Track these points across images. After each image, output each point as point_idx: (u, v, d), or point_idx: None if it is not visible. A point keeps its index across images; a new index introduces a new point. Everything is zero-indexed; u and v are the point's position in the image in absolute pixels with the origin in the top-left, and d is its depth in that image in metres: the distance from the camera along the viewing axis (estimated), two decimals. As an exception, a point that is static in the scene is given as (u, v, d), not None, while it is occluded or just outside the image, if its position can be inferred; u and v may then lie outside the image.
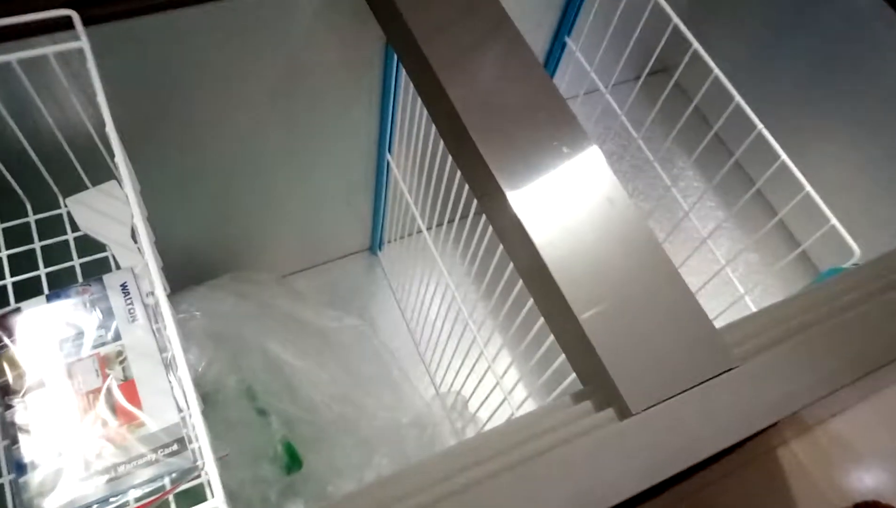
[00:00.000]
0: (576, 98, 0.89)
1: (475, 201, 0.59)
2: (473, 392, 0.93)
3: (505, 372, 0.80)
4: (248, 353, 0.89)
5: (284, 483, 0.91)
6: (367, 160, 0.94)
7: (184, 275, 0.89)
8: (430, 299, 1.01)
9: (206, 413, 0.92)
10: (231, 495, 0.52)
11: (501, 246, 0.57)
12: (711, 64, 0.65)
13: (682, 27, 0.68)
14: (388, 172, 0.94)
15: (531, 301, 0.55)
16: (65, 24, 0.56)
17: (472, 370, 0.89)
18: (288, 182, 0.92)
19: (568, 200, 0.52)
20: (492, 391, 0.83)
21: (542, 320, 0.55)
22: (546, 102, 0.60)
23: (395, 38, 0.68)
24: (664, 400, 0.45)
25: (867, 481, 1.25)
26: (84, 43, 0.55)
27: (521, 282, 0.56)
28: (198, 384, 0.90)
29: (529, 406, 1.00)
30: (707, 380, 0.46)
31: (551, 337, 0.58)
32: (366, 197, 1.02)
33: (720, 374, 0.46)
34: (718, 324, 0.50)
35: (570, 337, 0.48)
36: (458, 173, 0.63)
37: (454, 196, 0.75)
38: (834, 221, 0.58)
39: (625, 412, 0.44)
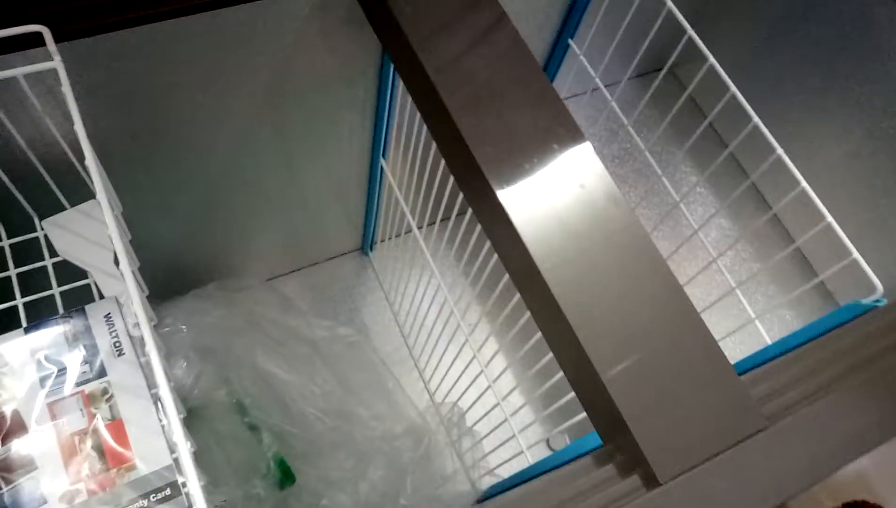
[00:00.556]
0: (582, 96, 0.85)
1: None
2: (472, 405, 0.91)
3: (509, 393, 0.78)
4: (238, 367, 0.86)
5: (277, 499, 0.88)
6: (360, 164, 0.89)
7: (168, 285, 0.85)
8: (423, 301, 0.98)
9: (195, 428, 0.89)
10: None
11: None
12: (729, 82, 0.61)
13: (698, 40, 0.64)
14: (381, 176, 0.90)
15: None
16: (36, 41, 0.51)
17: (473, 382, 0.86)
18: (277, 187, 0.88)
19: (582, 231, 0.49)
20: (492, 410, 0.81)
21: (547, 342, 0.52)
22: (550, 116, 0.56)
23: (391, 45, 0.64)
24: (693, 467, 0.43)
25: (856, 479, 1.26)
26: (57, 63, 0.50)
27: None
28: (185, 398, 0.87)
29: (536, 431, 0.99)
30: (736, 444, 0.44)
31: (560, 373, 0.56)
32: (357, 199, 0.98)
33: (750, 436, 0.44)
34: (725, 345, 0.48)
35: (591, 394, 0.46)
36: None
37: (459, 203, 0.71)
38: (856, 254, 0.56)
39: (651, 480, 0.42)
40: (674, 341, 0.46)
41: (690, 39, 0.65)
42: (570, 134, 0.55)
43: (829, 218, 0.56)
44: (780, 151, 0.58)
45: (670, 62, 0.70)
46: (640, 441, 0.43)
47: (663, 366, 0.45)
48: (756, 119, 0.59)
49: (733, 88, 0.60)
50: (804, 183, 0.57)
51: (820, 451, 0.44)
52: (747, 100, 0.63)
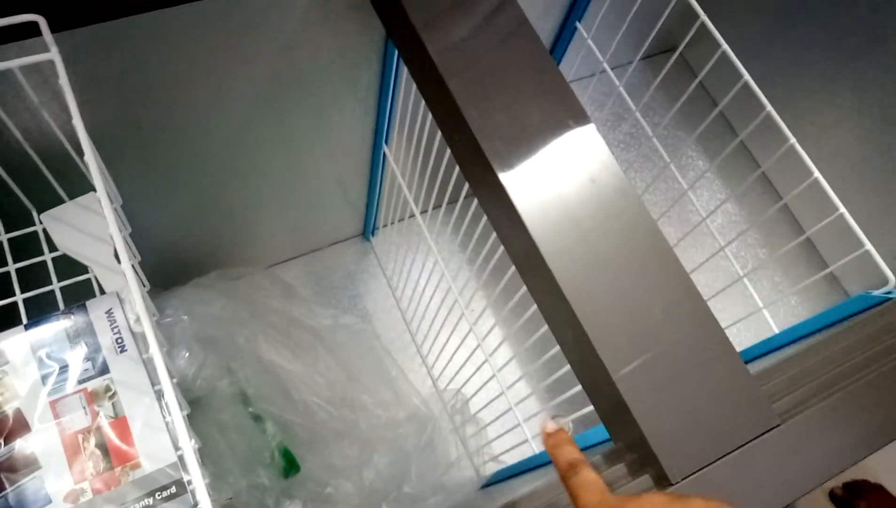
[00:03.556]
0: (588, 79, 0.84)
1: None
2: (476, 393, 0.91)
3: (515, 382, 0.78)
4: (241, 357, 0.85)
5: (281, 488, 0.88)
6: (362, 150, 0.88)
7: (168, 274, 0.84)
8: (426, 287, 0.97)
9: (199, 419, 0.88)
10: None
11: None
12: (742, 70, 0.60)
13: (711, 26, 0.62)
14: (384, 162, 0.88)
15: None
16: (32, 31, 0.50)
17: (477, 370, 0.86)
18: (278, 173, 0.87)
19: (593, 227, 0.48)
20: (497, 398, 0.81)
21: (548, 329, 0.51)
22: (558, 103, 0.55)
23: (395, 29, 0.63)
24: (704, 466, 0.42)
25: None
26: (54, 55, 0.48)
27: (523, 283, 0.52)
28: (188, 389, 0.86)
29: (538, 418, 0.99)
30: (748, 442, 0.43)
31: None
32: (359, 184, 0.97)
33: (761, 434, 0.43)
34: (730, 332, 0.47)
35: (600, 392, 0.45)
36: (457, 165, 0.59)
37: (467, 187, 0.70)
38: (869, 246, 0.55)
39: (663, 479, 0.42)
40: (684, 337, 0.46)
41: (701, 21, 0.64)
42: (578, 122, 0.54)
43: (842, 209, 0.55)
44: (792, 140, 0.57)
45: (679, 49, 0.68)
46: (651, 441, 0.42)
47: (674, 364, 0.45)
48: (769, 108, 0.58)
49: (747, 75, 0.59)
50: (817, 173, 0.56)
51: (833, 448, 0.44)
52: (756, 82, 0.61)
